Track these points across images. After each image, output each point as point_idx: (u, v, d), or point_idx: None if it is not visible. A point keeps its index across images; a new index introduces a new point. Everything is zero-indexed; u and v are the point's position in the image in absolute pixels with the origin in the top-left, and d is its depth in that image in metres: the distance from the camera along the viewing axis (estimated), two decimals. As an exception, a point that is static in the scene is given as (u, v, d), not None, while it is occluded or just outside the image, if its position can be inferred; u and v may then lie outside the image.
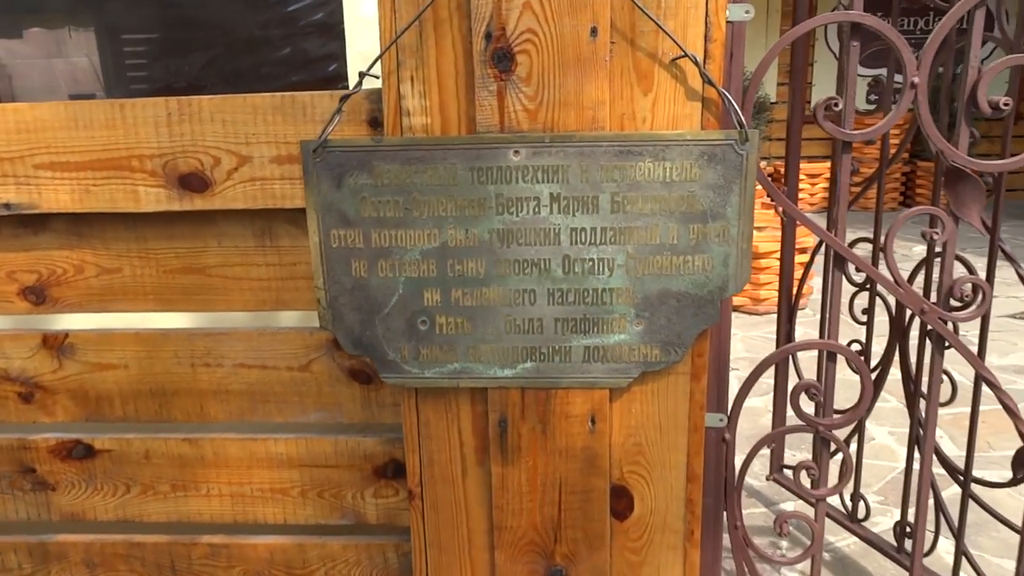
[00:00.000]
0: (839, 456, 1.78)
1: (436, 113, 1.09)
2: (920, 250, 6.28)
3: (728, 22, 1.15)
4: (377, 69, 1.09)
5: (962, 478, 1.99)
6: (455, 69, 1.08)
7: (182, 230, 1.29)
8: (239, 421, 1.39)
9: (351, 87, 1.12)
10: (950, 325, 1.30)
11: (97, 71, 2.14)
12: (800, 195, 8.59)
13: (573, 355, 1.14)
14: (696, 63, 1.03)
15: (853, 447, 2.27)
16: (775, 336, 2.39)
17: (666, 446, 1.20)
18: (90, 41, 2.12)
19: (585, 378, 1.15)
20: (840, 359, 1.33)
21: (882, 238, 1.99)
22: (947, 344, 1.34)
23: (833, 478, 1.49)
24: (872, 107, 2.35)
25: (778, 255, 4.51)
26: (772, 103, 8.95)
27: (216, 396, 1.37)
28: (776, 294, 4.74)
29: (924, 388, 1.99)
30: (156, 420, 1.39)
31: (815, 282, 5.12)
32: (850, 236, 1.56)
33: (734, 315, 4.90)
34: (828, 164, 8.54)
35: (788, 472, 2.69)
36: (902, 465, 2.91)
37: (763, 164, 8.72)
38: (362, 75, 1.05)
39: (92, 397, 1.39)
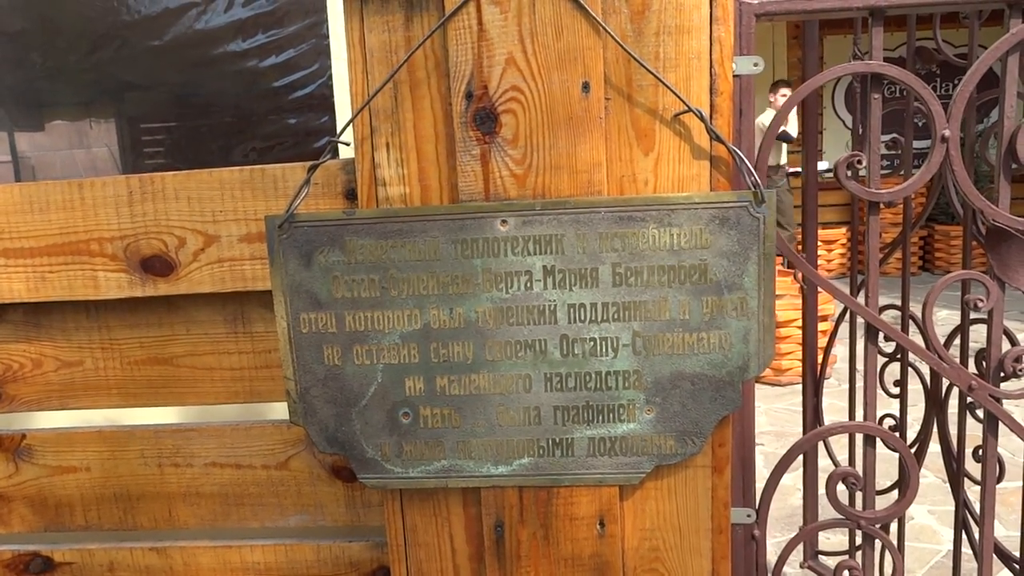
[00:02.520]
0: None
1: (415, 182, 0.99)
2: (944, 315, 6.11)
3: (735, 76, 1.05)
4: (350, 136, 0.99)
5: (1017, 565, 1.81)
6: (434, 133, 0.98)
7: (147, 317, 1.19)
8: (211, 527, 1.25)
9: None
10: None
11: (116, 160, 2.16)
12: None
13: (576, 448, 1.00)
14: (702, 118, 0.92)
15: (892, 527, 2.09)
16: (800, 408, 2.24)
17: (687, 550, 1.05)
18: (110, 131, 2.14)
19: (591, 474, 1.01)
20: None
21: (911, 306, 1.86)
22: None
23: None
24: (887, 172, 2.26)
25: (798, 323, 4.37)
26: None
27: (186, 499, 1.24)
28: (798, 363, 4.58)
29: (967, 466, 1.82)
30: (120, 528, 1.26)
31: (838, 350, 4.95)
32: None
33: (756, 386, 4.72)
34: (844, 230, 8.46)
35: (823, 559, 2.49)
36: (945, 547, 2.70)
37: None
38: (330, 143, 0.95)
39: (51, 504, 1.26)
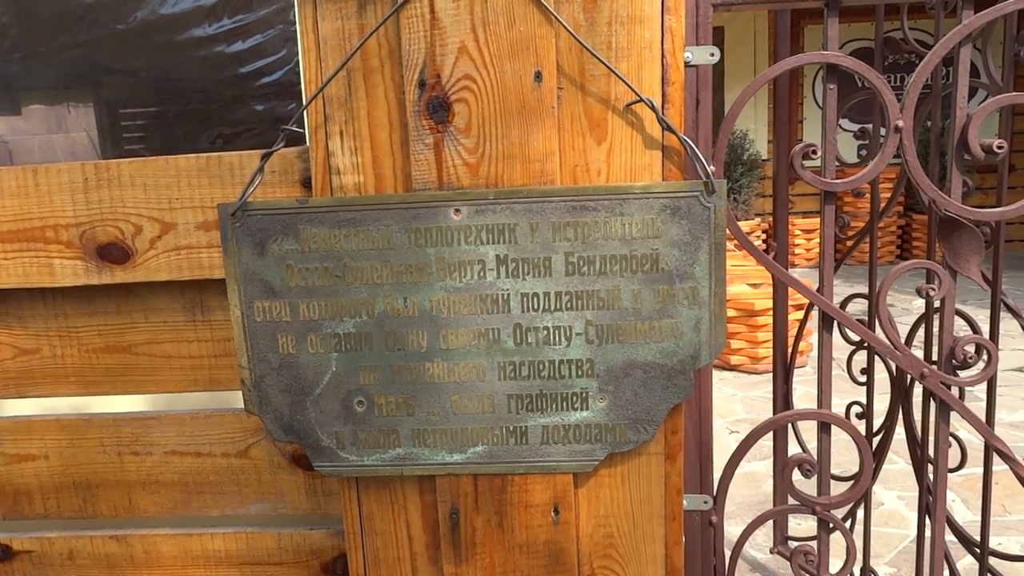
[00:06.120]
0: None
1: (369, 170, 0.98)
2: (919, 304, 6.16)
3: (692, 65, 1.06)
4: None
5: (978, 550, 1.84)
6: (388, 122, 0.97)
7: (105, 305, 1.18)
8: (171, 515, 1.25)
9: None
10: (954, 389, 1.18)
11: (95, 145, 2.14)
12: (796, 251, 8.52)
13: (530, 436, 1.01)
14: (653, 108, 0.93)
15: (861, 512, 2.12)
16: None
17: (640, 537, 1.06)
18: (88, 116, 2.12)
19: (545, 462, 1.02)
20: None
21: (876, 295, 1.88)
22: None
23: (837, 550, 1.34)
24: (857, 162, 2.27)
25: (774, 312, 4.39)
26: (764, 160, 8.95)
27: (146, 487, 1.24)
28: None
29: (931, 452, 1.85)
30: (80, 516, 1.26)
31: (814, 338, 4.99)
32: (848, 291, 1.45)
33: (733, 375, 4.75)
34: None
35: (794, 544, 2.52)
36: (914, 532, 2.74)
37: (757, 220, 8.65)
38: (283, 131, 0.94)
39: (9, 492, 1.25)
